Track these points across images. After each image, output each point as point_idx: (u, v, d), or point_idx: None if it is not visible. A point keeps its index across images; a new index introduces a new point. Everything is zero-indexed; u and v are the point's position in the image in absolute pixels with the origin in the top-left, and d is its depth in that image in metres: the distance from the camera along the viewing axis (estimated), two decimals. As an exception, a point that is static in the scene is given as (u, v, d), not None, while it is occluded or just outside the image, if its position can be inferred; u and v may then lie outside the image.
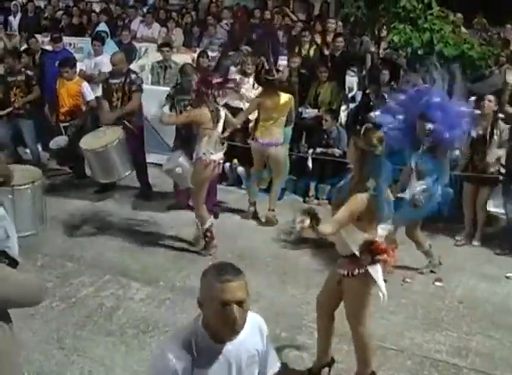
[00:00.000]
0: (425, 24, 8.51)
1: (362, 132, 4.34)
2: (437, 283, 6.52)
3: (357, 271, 4.41)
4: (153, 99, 9.18)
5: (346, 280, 4.49)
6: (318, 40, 11.33)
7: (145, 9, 14.87)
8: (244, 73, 9.34)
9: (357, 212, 4.23)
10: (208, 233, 7.05)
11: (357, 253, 4.37)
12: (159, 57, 10.51)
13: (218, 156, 6.85)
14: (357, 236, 4.35)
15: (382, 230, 4.52)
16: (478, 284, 6.52)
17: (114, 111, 8.34)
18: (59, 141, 8.78)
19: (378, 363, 5.13)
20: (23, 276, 2.90)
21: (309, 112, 9.29)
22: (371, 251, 4.34)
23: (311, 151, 8.88)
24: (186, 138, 7.51)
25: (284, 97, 7.78)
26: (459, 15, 10.46)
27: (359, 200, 4.23)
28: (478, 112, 7.39)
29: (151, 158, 9.07)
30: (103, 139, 7.98)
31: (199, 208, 6.98)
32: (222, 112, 6.87)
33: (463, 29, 9.27)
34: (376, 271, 4.43)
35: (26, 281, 2.90)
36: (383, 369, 5.07)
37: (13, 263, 2.87)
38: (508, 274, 6.82)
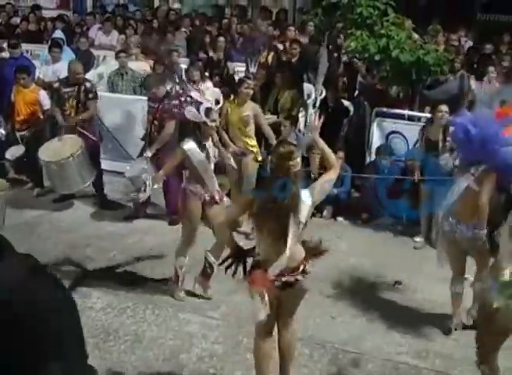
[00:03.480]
0: (382, 30, 8.64)
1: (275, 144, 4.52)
2: (397, 286, 6.59)
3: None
4: (111, 107, 9.16)
5: None
6: (278, 46, 11.36)
7: (103, 17, 14.72)
8: (192, 81, 9.19)
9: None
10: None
11: None
12: (117, 65, 10.41)
13: None
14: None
15: None
16: (437, 286, 6.59)
17: (68, 119, 8.27)
18: (16, 151, 8.64)
19: (339, 367, 5.18)
20: None
21: (268, 119, 9.31)
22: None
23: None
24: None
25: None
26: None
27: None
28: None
29: (109, 166, 9.01)
30: (63, 150, 7.86)
31: None
32: None
33: (415, 35, 9.38)
34: None
35: None
36: (345, 373, 5.11)
37: None
38: (466, 275, 6.92)
